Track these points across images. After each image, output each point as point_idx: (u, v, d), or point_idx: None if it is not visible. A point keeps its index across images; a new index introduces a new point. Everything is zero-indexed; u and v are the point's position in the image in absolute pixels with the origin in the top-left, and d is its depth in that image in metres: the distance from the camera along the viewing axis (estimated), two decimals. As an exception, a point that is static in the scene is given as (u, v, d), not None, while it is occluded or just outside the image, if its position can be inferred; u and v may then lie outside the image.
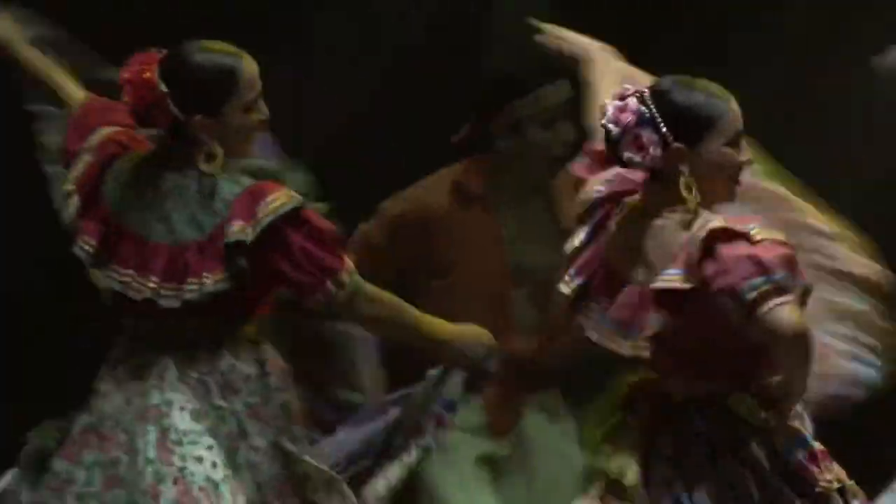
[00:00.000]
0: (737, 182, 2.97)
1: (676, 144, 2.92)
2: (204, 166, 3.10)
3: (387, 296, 3.20)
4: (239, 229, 3.06)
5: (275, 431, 3.16)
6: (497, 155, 4.17)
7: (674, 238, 2.91)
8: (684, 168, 2.92)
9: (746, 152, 2.99)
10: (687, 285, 2.84)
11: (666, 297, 2.87)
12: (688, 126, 2.92)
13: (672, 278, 2.87)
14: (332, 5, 4.80)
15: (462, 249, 4.16)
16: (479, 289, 4.14)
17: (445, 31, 4.93)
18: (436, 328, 3.25)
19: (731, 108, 2.96)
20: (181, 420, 3.08)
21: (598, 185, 3.09)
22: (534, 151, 4.15)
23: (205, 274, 3.06)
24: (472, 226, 4.18)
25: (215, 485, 3.05)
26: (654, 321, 2.89)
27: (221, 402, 3.12)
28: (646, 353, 2.95)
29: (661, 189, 2.96)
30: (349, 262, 3.13)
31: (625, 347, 2.96)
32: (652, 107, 2.93)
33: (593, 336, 2.99)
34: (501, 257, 4.20)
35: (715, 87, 2.98)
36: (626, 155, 2.93)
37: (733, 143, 2.95)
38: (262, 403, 3.16)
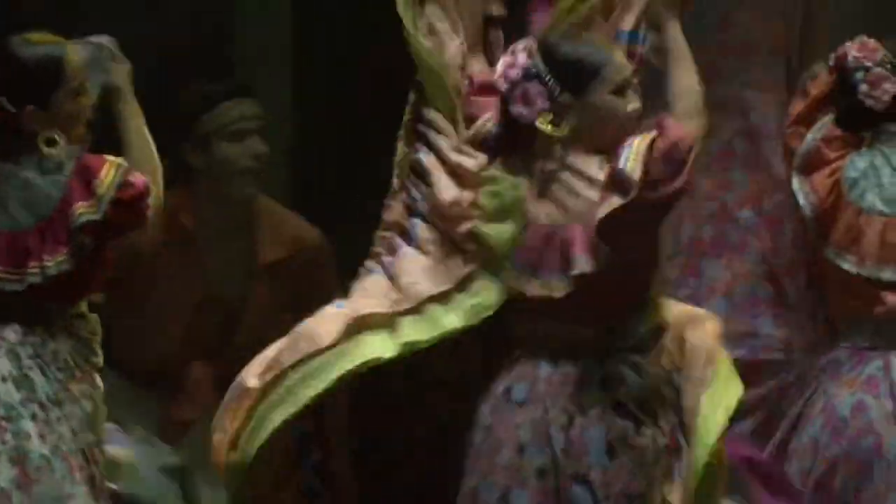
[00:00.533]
0: (627, 130, 3.03)
1: (562, 96, 2.95)
2: (47, 151, 3.17)
3: None
4: (85, 209, 3.13)
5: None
6: (194, 176, 4.15)
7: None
8: (572, 118, 2.96)
9: (635, 101, 3.05)
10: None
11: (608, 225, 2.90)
12: (573, 76, 2.98)
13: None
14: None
15: (163, 285, 4.16)
16: (173, 318, 4.16)
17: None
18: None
19: (615, 57, 3.03)
20: (6, 393, 3.13)
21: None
22: (224, 167, 4.15)
23: (45, 256, 3.14)
24: (176, 263, 4.17)
25: (47, 460, 3.11)
26: (584, 260, 2.92)
27: (36, 374, 3.16)
28: (557, 294, 2.96)
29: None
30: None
31: (534, 287, 2.97)
32: (538, 60, 2.96)
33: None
34: (200, 291, 4.19)
35: (599, 39, 3.08)
36: (516, 110, 2.96)
37: (619, 91, 3.01)
38: (78, 380, 3.21)
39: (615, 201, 2.87)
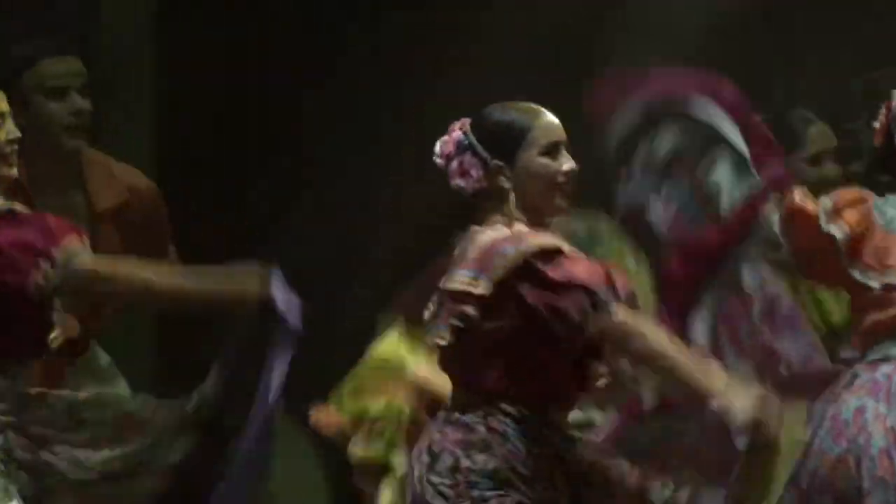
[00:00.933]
0: (561, 191, 3.22)
1: (495, 162, 3.16)
2: None
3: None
4: None
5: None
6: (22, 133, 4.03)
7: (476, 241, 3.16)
8: (505, 184, 3.16)
9: (568, 161, 3.23)
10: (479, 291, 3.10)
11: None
12: (502, 143, 3.18)
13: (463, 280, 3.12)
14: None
15: None
16: None
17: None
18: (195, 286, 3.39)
19: (541, 119, 3.22)
20: None
21: None
22: (46, 123, 4.18)
23: None
24: None
25: None
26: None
27: None
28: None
29: (490, 209, 3.22)
30: (69, 241, 3.30)
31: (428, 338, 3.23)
32: (469, 133, 3.18)
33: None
34: None
35: (526, 105, 3.27)
36: (455, 183, 3.19)
37: (549, 152, 3.20)
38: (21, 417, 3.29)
39: None
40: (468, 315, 3.08)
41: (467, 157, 3.19)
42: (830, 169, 4.33)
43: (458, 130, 3.22)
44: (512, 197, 3.19)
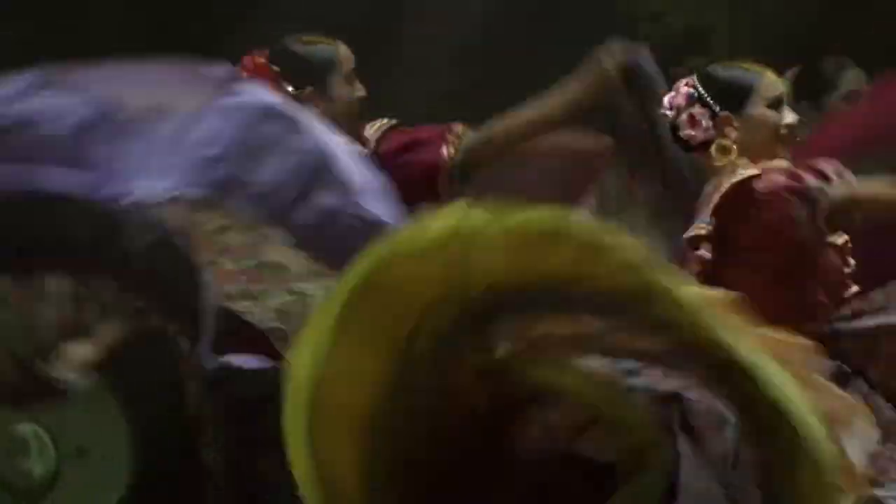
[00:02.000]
0: (783, 141, 3.44)
1: (724, 113, 3.39)
2: None
3: None
4: None
5: None
6: None
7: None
8: (732, 133, 3.38)
9: (790, 115, 3.47)
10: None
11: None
12: (731, 95, 3.42)
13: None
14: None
15: None
16: None
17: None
18: None
19: (767, 75, 3.47)
20: None
21: None
22: None
23: None
24: None
25: None
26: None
27: None
28: None
29: (716, 158, 3.43)
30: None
31: None
32: (698, 86, 3.42)
33: None
34: None
35: (750, 63, 3.54)
36: (685, 133, 3.41)
37: (774, 105, 3.43)
38: None
39: None
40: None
41: (697, 109, 3.42)
42: None
43: (684, 85, 3.45)
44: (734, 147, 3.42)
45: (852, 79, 4.63)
